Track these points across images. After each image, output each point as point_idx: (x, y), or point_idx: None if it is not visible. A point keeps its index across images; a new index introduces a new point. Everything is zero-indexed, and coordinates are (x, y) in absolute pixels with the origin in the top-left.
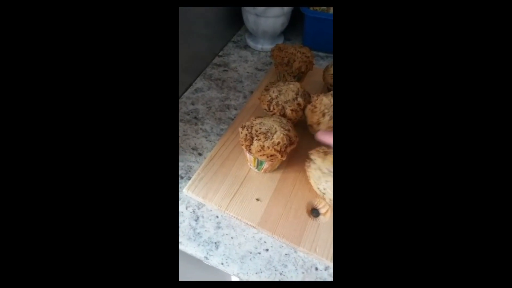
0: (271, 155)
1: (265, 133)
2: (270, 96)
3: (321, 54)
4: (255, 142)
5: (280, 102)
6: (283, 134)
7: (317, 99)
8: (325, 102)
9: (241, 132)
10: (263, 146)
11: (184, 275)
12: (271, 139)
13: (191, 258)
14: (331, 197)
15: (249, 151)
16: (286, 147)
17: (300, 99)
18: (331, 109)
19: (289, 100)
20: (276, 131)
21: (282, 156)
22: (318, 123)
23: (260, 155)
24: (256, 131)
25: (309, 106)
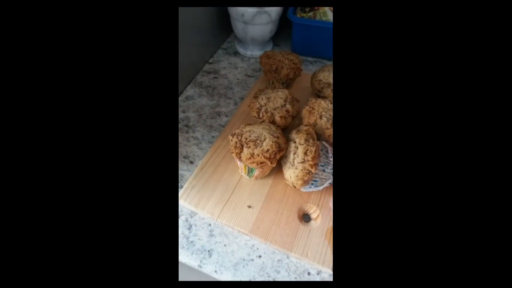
0: (261, 162)
1: (254, 141)
2: (259, 104)
3: (309, 59)
4: (245, 150)
5: (269, 109)
6: (272, 141)
7: (315, 102)
8: (323, 105)
9: (231, 140)
10: (253, 153)
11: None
12: (260, 147)
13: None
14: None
15: (240, 158)
16: (275, 154)
17: (288, 106)
18: (328, 112)
19: (277, 107)
20: (265, 139)
21: (271, 163)
22: (315, 124)
23: (250, 163)
24: (246, 138)
25: (306, 108)
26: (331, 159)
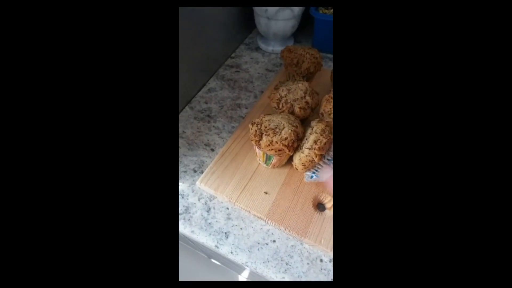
0: (279, 150)
1: (273, 129)
2: (279, 95)
3: (329, 56)
4: (264, 138)
5: (289, 100)
6: (291, 130)
7: None
8: None
9: (251, 128)
10: (272, 141)
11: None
12: (279, 135)
13: (197, 257)
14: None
15: (259, 146)
16: (293, 142)
17: (308, 98)
18: None
19: (297, 98)
20: (284, 127)
21: (289, 151)
22: (330, 113)
23: (269, 150)
24: (265, 127)
25: (326, 96)
26: None
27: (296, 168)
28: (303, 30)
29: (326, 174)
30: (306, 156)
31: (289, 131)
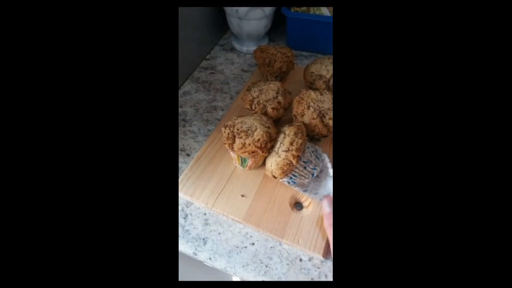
0: (253, 152)
1: (246, 131)
2: (251, 96)
3: (304, 53)
4: (237, 140)
5: (261, 101)
6: (263, 131)
7: (305, 93)
8: (312, 96)
9: (224, 132)
10: (244, 143)
11: (186, 275)
12: (251, 137)
13: (193, 259)
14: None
15: (232, 149)
16: (266, 143)
17: (280, 98)
18: (317, 103)
19: (269, 99)
20: (256, 129)
21: (263, 152)
22: (302, 114)
23: (242, 152)
24: (238, 129)
25: (296, 98)
26: (317, 160)
27: (273, 175)
28: (277, 29)
29: (305, 181)
30: (284, 159)
31: (261, 132)
